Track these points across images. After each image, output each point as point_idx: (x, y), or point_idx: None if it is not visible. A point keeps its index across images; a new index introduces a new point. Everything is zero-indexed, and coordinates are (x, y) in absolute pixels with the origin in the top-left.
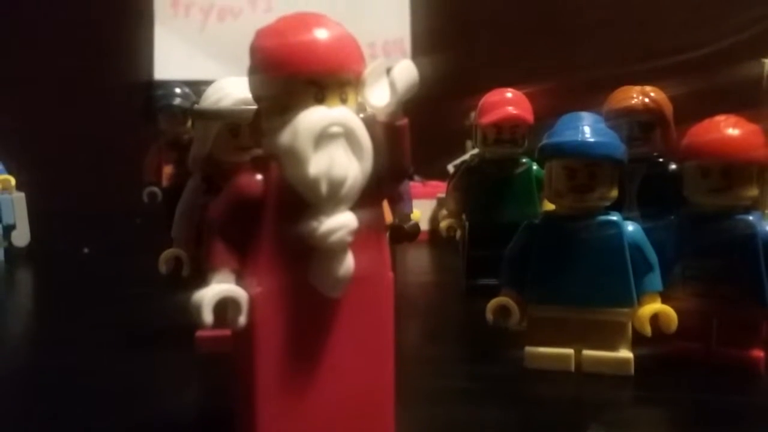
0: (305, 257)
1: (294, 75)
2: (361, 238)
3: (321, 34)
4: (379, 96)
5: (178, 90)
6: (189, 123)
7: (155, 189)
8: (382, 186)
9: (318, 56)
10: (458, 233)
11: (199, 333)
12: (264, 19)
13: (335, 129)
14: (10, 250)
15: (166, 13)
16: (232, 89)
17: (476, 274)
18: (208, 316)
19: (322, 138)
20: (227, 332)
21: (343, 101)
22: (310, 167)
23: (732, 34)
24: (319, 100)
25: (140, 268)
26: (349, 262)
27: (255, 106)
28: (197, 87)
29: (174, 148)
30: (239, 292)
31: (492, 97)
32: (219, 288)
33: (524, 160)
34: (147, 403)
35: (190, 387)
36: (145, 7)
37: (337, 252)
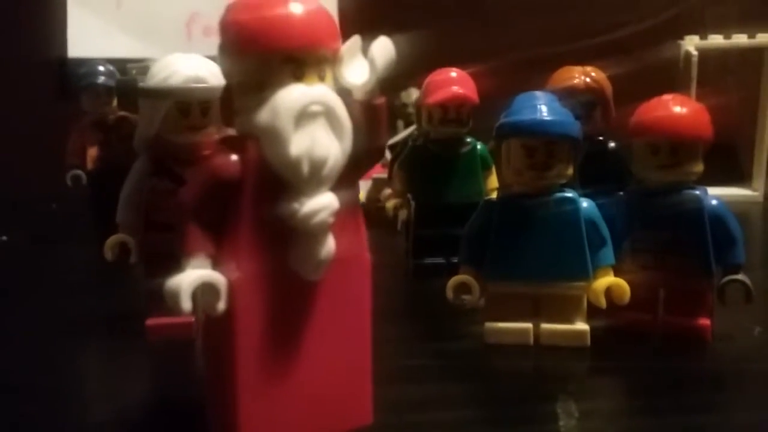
0: (285, 240)
1: (272, 51)
2: (339, 219)
3: (298, 8)
4: (357, 74)
5: (101, 68)
6: (114, 102)
7: (79, 172)
8: (359, 166)
9: (297, 31)
10: (403, 213)
11: (150, 321)
12: None
13: (316, 108)
14: None
15: None
16: (181, 66)
17: (422, 254)
18: (186, 303)
19: (303, 117)
20: (179, 320)
21: (321, 79)
22: (291, 147)
23: (650, 16)
24: (298, 77)
25: (71, 255)
26: (330, 244)
27: (205, 84)
28: (122, 64)
29: (99, 129)
30: (218, 278)
31: (437, 76)
32: (197, 274)
33: (469, 140)
34: (103, 400)
35: (147, 379)
36: None
37: (319, 234)
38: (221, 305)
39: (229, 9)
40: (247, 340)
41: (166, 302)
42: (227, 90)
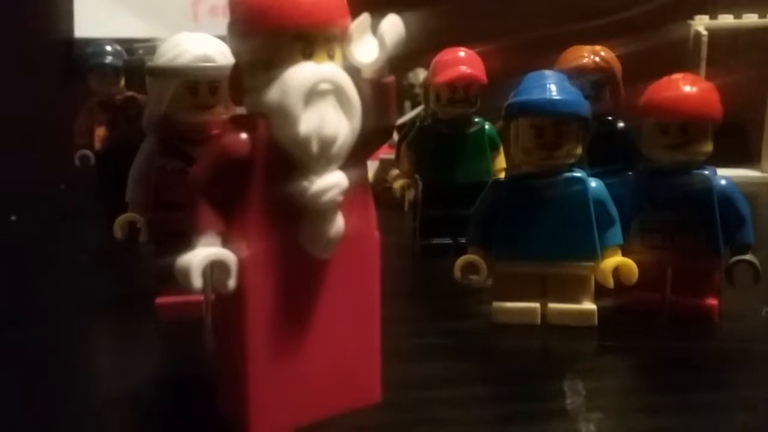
0: (294, 218)
1: (282, 29)
2: (348, 198)
3: None
4: (366, 52)
5: (109, 48)
6: (122, 82)
7: (87, 152)
8: (368, 144)
9: (306, 9)
10: (411, 193)
11: (159, 300)
12: None
13: (325, 86)
14: None
15: None
16: (190, 45)
17: (430, 234)
18: (197, 281)
19: (312, 95)
20: (189, 298)
21: (330, 57)
22: (301, 126)
23: None
24: (307, 55)
25: (80, 234)
26: (339, 223)
27: (214, 63)
28: (129, 44)
29: (106, 109)
30: (228, 255)
31: (445, 56)
32: (207, 251)
33: (477, 120)
34: (113, 378)
35: (157, 357)
36: None
37: (328, 212)
38: (232, 283)
39: None
40: (257, 318)
41: (177, 280)
42: (236, 69)
